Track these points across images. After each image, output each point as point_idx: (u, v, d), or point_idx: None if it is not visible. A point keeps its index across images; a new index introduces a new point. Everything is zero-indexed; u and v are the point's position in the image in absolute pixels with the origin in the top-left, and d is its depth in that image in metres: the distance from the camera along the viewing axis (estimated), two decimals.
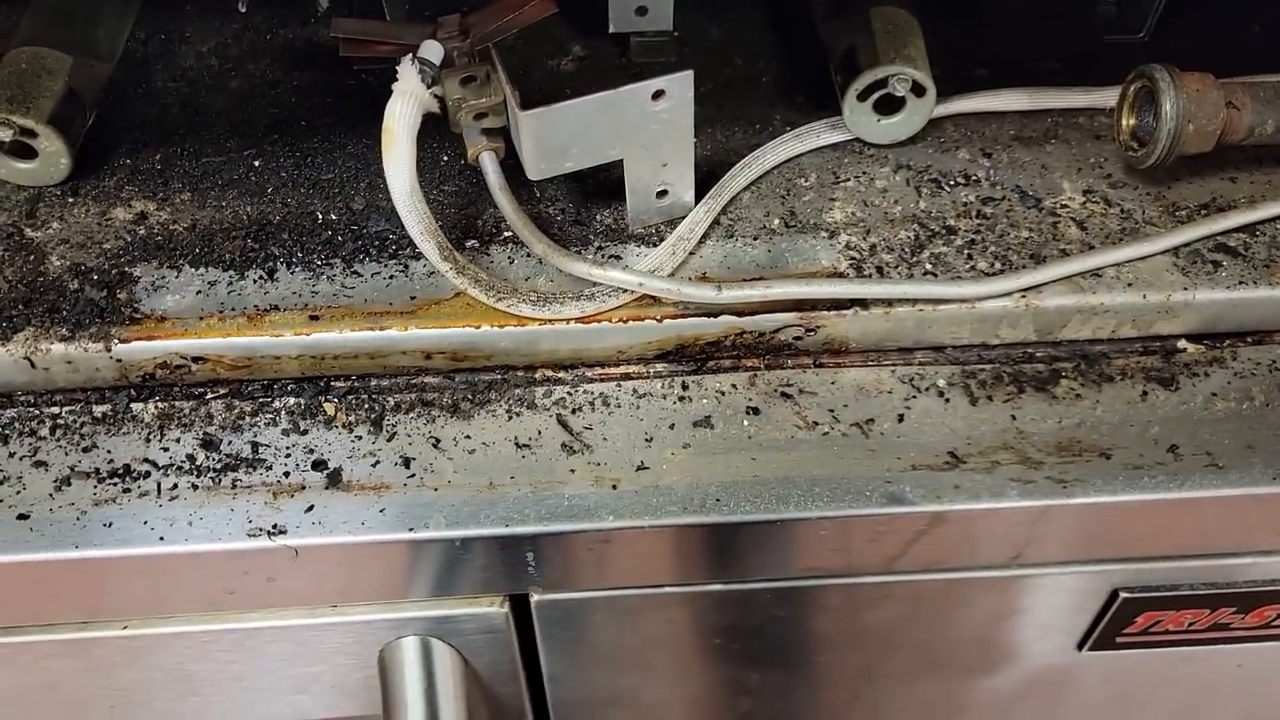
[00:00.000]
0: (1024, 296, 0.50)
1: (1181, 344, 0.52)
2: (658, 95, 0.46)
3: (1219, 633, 0.59)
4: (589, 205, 0.53)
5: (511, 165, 0.49)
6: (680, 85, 0.46)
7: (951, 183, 0.54)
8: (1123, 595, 0.55)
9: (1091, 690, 0.67)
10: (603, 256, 0.51)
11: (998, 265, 0.51)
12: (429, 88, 0.46)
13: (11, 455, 0.46)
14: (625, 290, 0.48)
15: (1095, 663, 0.63)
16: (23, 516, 0.45)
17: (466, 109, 0.47)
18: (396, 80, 0.46)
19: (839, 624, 0.57)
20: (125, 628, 0.50)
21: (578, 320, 0.48)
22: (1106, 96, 0.57)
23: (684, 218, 0.52)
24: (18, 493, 0.45)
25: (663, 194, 0.51)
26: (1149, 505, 0.47)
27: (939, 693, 0.66)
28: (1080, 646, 0.60)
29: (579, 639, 0.57)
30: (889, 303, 0.49)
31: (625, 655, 0.59)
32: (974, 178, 0.55)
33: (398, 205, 0.46)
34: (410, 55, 0.46)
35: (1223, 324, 0.51)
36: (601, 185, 0.54)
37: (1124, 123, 0.52)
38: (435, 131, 0.51)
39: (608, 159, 0.48)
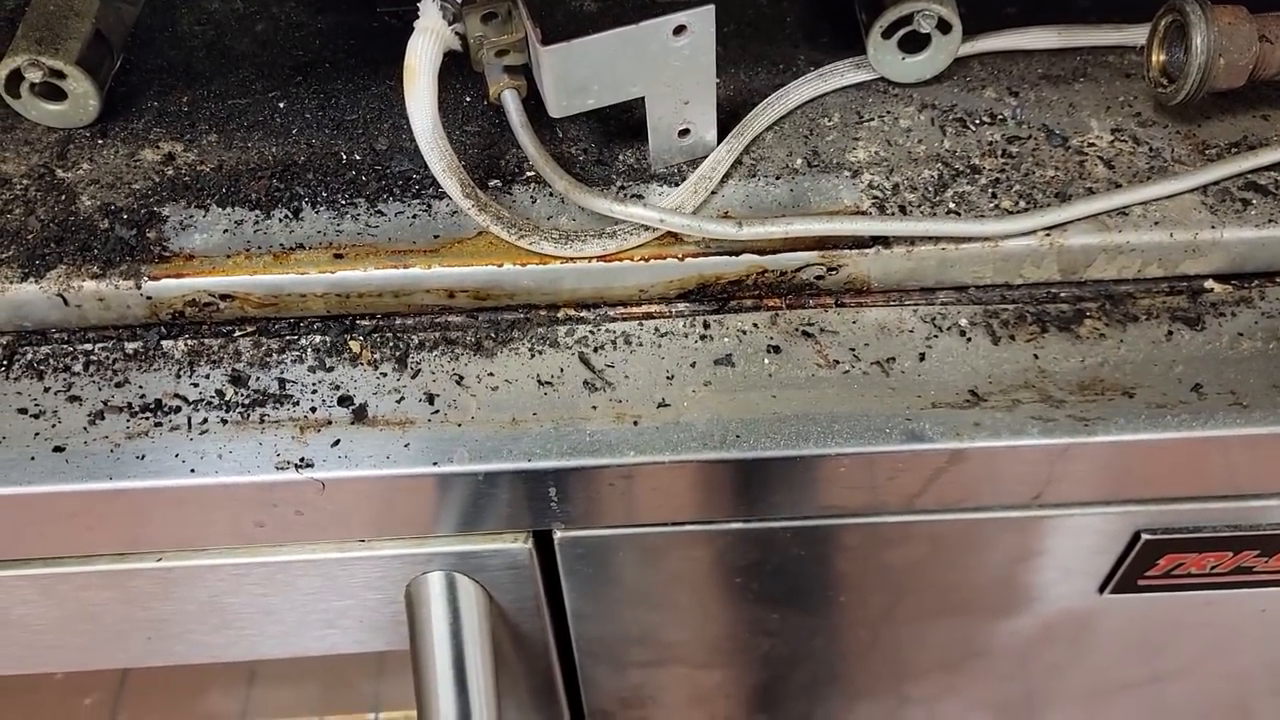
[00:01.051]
0: (1048, 235, 0.49)
1: (1209, 284, 0.51)
2: (679, 30, 0.46)
3: (1242, 576, 0.59)
4: (611, 145, 0.53)
5: (534, 104, 0.49)
6: (702, 20, 0.46)
7: (977, 121, 0.54)
8: (1145, 537, 0.55)
9: (1113, 634, 0.67)
10: (625, 195, 0.51)
11: (1022, 204, 0.50)
12: (450, 24, 0.46)
13: (47, 390, 0.48)
14: (647, 228, 0.48)
15: (1117, 606, 0.63)
16: (58, 449, 0.46)
17: (488, 46, 0.47)
18: (418, 18, 0.46)
19: (859, 564, 0.58)
20: (160, 560, 0.51)
21: (599, 259, 0.49)
22: (1138, 33, 0.56)
23: (706, 157, 0.51)
24: (53, 426, 0.46)
25: (685, 133, 0.51)
26: (1171, 444, 0.47)
27: (960, 635, 0.67)
28: (1102, 589, 0.61)
29: (602, 576, 0.58)
30: (911, 241, 0.49)
31: (647, 593, 0.60)
32: (1000, 116, 0.54)
33: (420, 142, 0.46)
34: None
35: (1251, 263, 0.51)
36: (624, 125, 0.54)
37: (1154, 58, 0.52)
38: (458, 72, 0.51)
39: (630, 96, 0.48)
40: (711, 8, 0.45)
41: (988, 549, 0.57)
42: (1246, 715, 0.79)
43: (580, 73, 0.46)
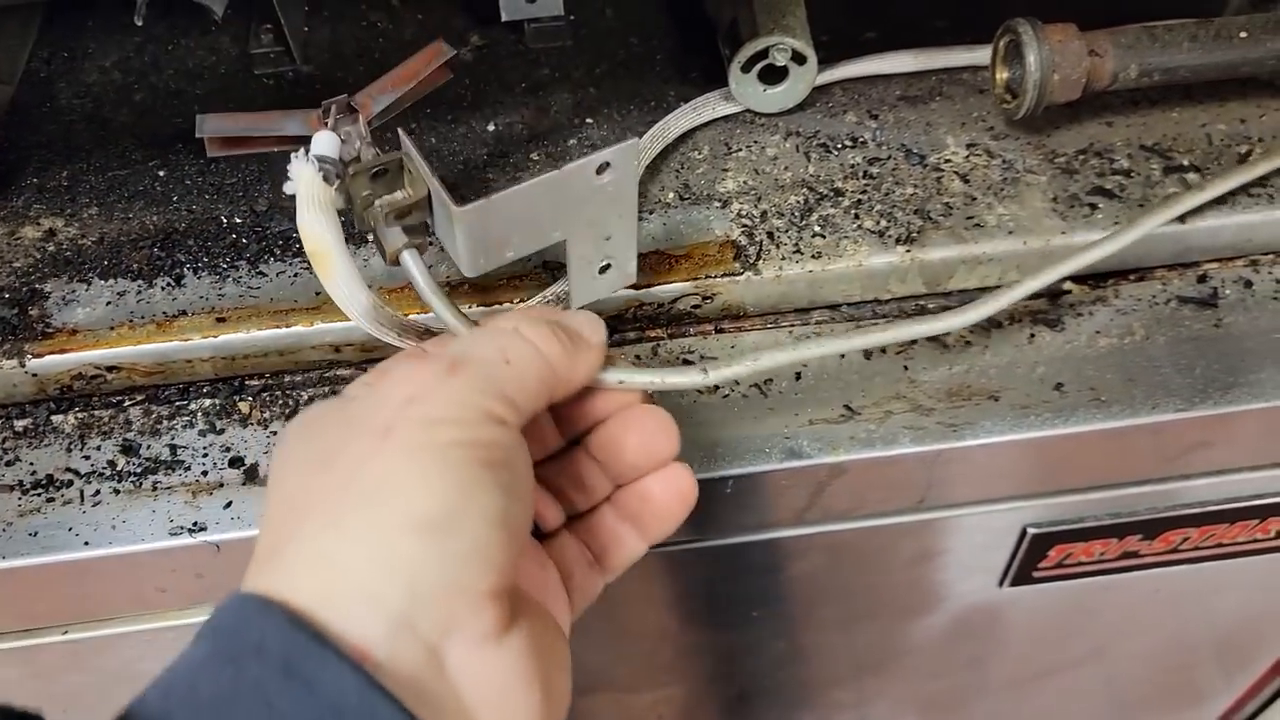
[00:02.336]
0: (909, 251, 0.51)
1: (1067, 285, 0.54)
2: (602, 169, 0.42)
3: (1130, 560, 0.61)
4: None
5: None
6: (625, 155, 0.42)
7: (839, 146, 0.56)
8: (1031, 531, 0.57)
9: (1022, 625, 0.69)
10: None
11: (883, 223, 0.52)
12: (333, 186, 0.41)
13: None
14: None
15: (1019, 598, 0.65)
16: None
17: (383, 207, 0.41)
18: (290, 187, 0.41)
19: (766, 579, 0.59)
20: (66, 633, 0.51)
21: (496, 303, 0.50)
22: (988, 54, 0.58)
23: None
24: None
25: (605, 268, 0.46)
26: (1038, 442, 0.50)
27: (877, 638, 0.69)
28: (1001, 583, 0.63)
29: None
30: (779, 266, 0.51)
31: None
32: (861, 140, 0.56)
33: (362, 325, 0.43)
34: (301, 152, 0.41)
35: (1105, 263, 0.53)
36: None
37: (997, 76, 0.54)
38: None
39: (550, 242, 0.43)
40: (636, 142, 0.42)
41: (887, 554, 0.59)
42: (1156, 691, 0.82)
43: (499, 228, 0.41)
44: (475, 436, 0.33)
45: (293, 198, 0.41)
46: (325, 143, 0.41)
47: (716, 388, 0.50)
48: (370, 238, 0.43)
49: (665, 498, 0.40)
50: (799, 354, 0.44)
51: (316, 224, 0.40)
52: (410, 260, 0.41)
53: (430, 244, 0.44)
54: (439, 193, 0.40)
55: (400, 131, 0.40)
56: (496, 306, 0.50)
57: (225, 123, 0.45)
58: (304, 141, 0.44)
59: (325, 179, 0.40)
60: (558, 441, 0.42)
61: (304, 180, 0.40)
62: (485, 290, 0.50)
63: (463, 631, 0.31)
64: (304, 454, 0.34)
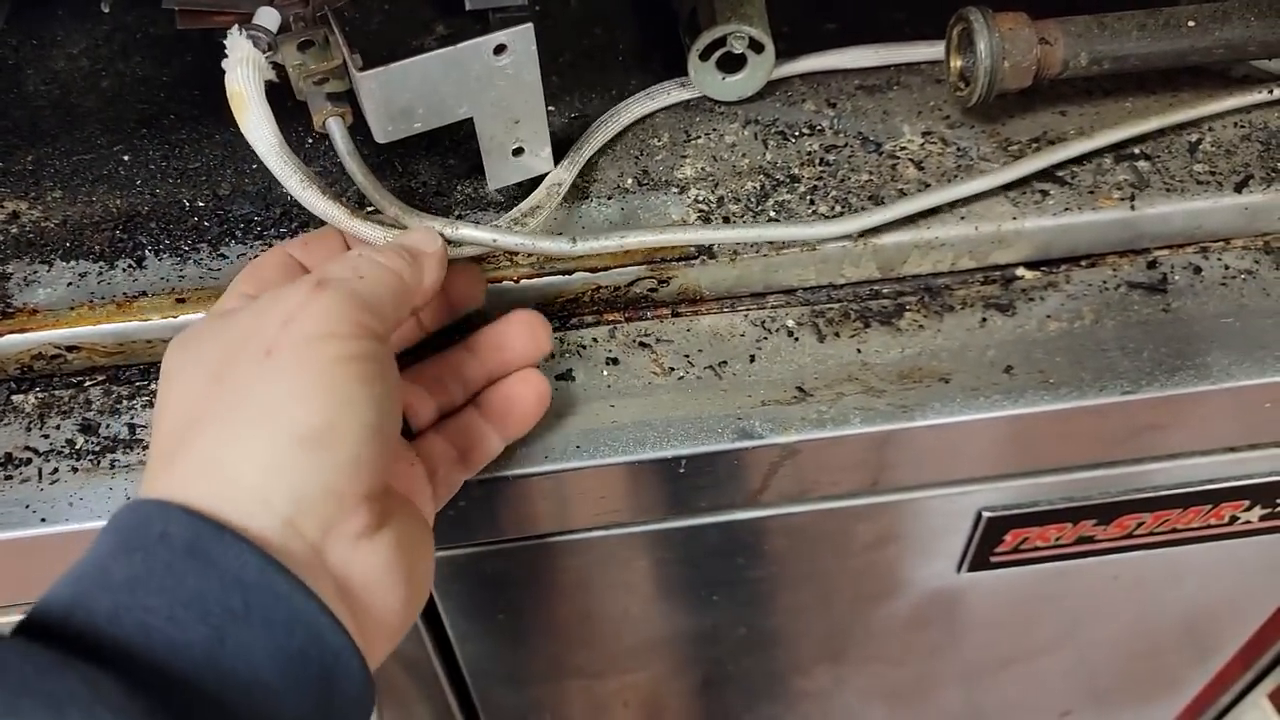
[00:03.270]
0: (862, 235, 0.52)
1: (1020, 271, 0.55)
2: (500, 50, 0.46)
3: (1086, 545, 0.62)
4: (450, 179, 0.55)
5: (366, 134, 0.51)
6: (522, 38, 0.46)
7: (797, 134, 0.57)
8: (986, 515, 0.58)
9: (984, 611, 0.70)
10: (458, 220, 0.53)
11: (838, 208, 0.53)
12: (265, 53, 0.45)
13: None
14: (483, 251, 0.50)
15: (978, 583, 0.66)
16: None
17: (307, 75, 0.46)
18: (227, 47, 0.44)
19: (722, 562, 0.60)
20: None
21: None
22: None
23: (544, 176, 0.53)
24: None
25: (518, 152, 0.51)
26: (988, 424, 0.50)
27: (839, 624, 0.69)
28: (960, 568, 0.64)
29: (476, 594, 0.59)
30: (734, 251, 0.52)
31: (524, 607, 0.62)
32: (819, 128, 0.57)
33: (268, 163, 0.45)
34: (237, 25, 0.44)
35: (1055, 249, 0.54)
36: (465, 161, 0.56)
37: (951, 64, 0.55)
38: (295, 115, 0.53)
39: (457, 118, 0.48)
40: (530, 27, 0.46)
41: (844, 537, 0.59)
42: (1125, 678, 0.83)
43: (403, 97, 0.46)
44: (351, 351, 0.36)
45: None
46: (265, 15, 0.44)
47: (671, 369, 0.51)
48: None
49: (526, 397, 0.46)
50: (664, 238, 0.50)
51: (241, 73, 0.43)
52: (335, 125, 0.46)
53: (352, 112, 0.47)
54: (348, 58, 0.44)
55: (328, 8, 0.44)
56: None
57: None
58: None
59: (255, 44, 0.44)
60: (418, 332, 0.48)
61: (235, 45, 0.44)
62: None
63: (340, 530, 0.35)
64: (193, 367, 0.37)
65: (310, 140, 0.57)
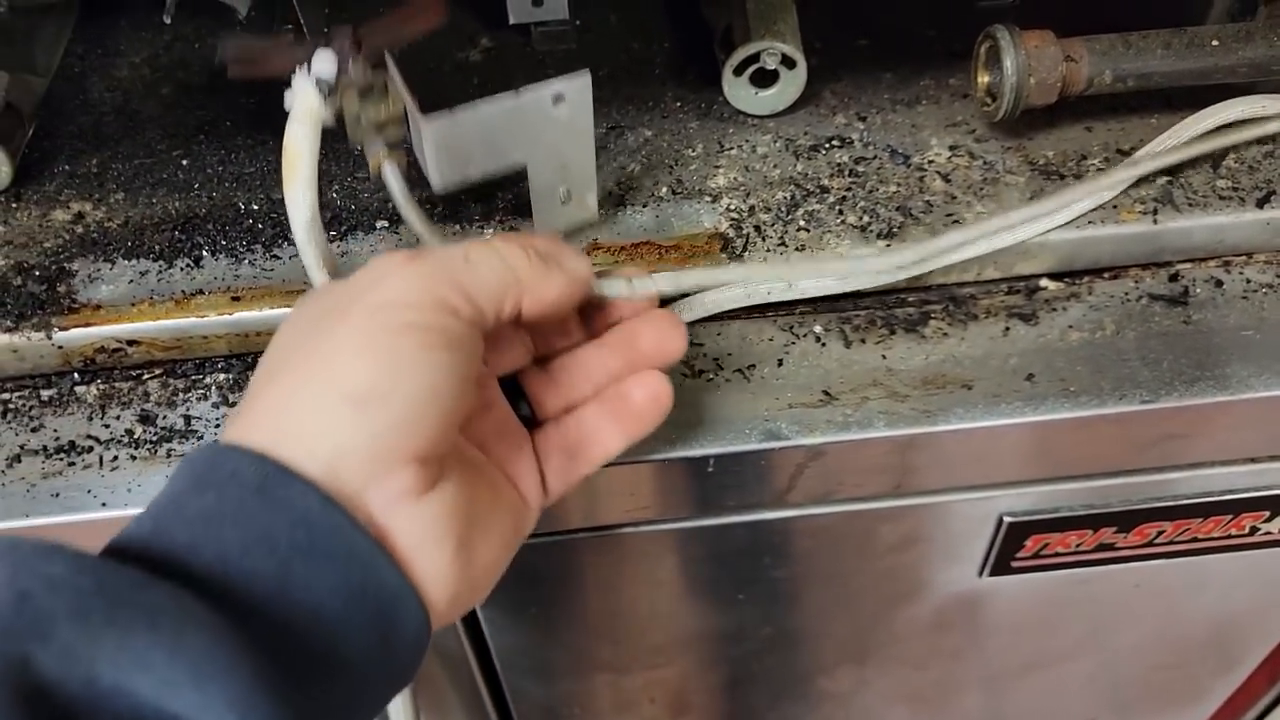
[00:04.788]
0: (889, 245, 0.54)
1: (1044, 282, 0.56)
2: (557, 99, 0.47)
3: (1106, 553, 0.63)
4: (497, 221, 0.57)
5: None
6: (579, 89, 0.47)
7: (828, 146, 0.59)
8: (1007, 520, 0.59)
9: (1004, 616, 0.71)
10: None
11: (866, 219, 0.55)
12: (325, 100, 0.45)
13: None
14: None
15: (999, 588, 0.67)
16: None
17: (367, 122, 0.46)
18: (289, 97, 0.45)
19: (749, 561, 0.61)
20: None
21: None
22: None
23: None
24: None
25: (566, 198, 0.52)
26: (1009, 430, 0.52)
27: (861, 626, 0.71)
28: (981, 572, 0.65)
29: (509, 585, 0.61)
30: (764, 257, 0.53)
31: (557, 600, 0.64)
32: (848, 140, 0.59)
33: (297, 237, 0.46)
34: (304, 69, 0.45)
35: (1079, 261, 0.56)
36: (511, 204, 0.58)
37: (979, 80, 0.57)
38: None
39: (511, 164, 0.49)
40: (588, 79, 0.47)
41: (868, 539, 0.61)
42: (1149, 687, 0.84)
43: (463, 145, 0.47)
44: (417, 320, 0.37)
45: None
46: (324, 62, 0.45)
47: (700, 371, 0.53)
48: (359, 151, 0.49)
49: (641, 398, 0.45)
50: (728, 275, 0.50)
51: (299, 133, 0.44)
52: (390, 172, 0.46)
53: (409, 160, 0.48)
54: (412, 108, 0.45)
55: (386, 52, 0.45)
56: None
57: (244, 46, 0.48)
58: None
59: (319, 91, 0.44)
60: (580, 336, 0.47)
61: (300, 96, 0.44)
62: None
63: (380, 487, 0.36)
64: (291, 326, 0.40)
65: (353, 171, 0.59)
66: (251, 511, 0.34)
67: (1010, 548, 0.62)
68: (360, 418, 0.35)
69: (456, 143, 0.46)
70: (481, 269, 0.39)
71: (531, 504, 0.44)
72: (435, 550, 0.37)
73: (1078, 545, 0.62)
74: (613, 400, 0.45)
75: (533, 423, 0.46)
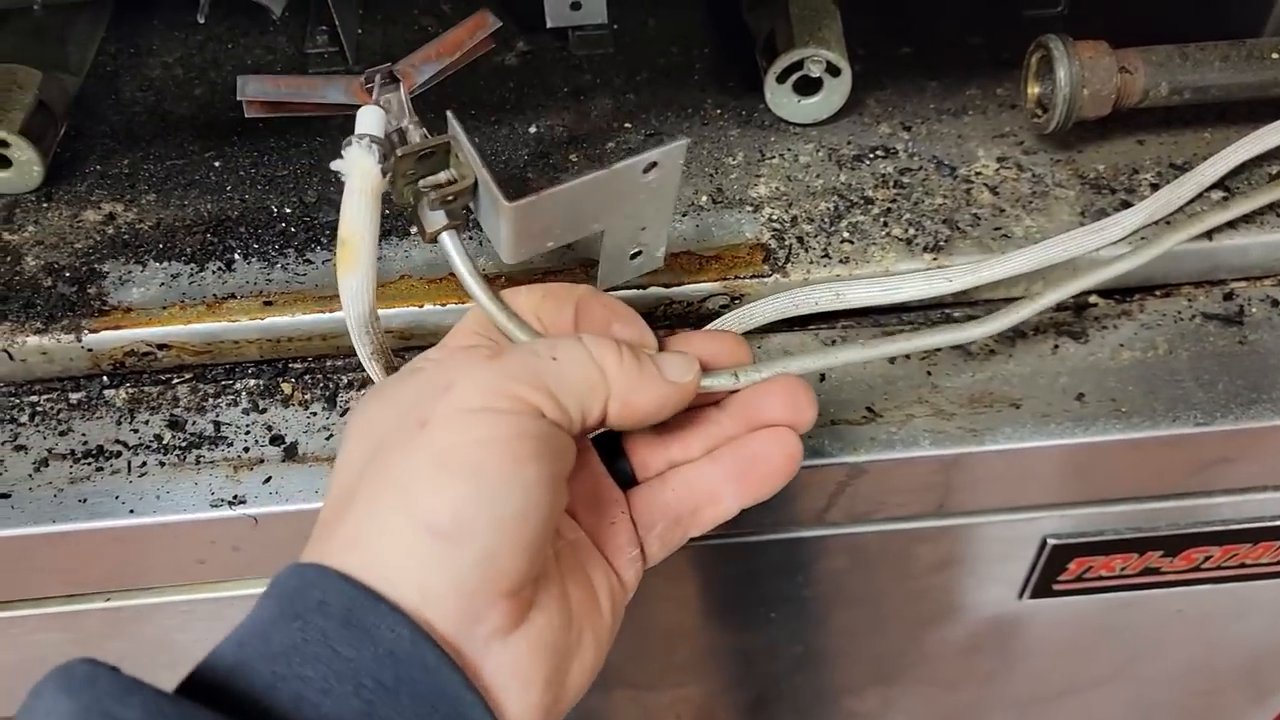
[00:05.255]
0: (935, 259, 0.52)
1: (1093, 299, 0.55)
2: (649, 168, 0.42)
3: (1152, 577, 0.61)
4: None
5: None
6: (673, 156, 0.42)
7: (872, 156, 0.57)
8: (1051, 542, 0.58)
9: (1042, 639, 0.69)
10: None
11: (911, 231, 0.53)
12: (380, 164, 0.40)
13: None
14: None
15: (1039, 611, 0.65)
16: (4, 496, 0.48)
17: (427, 188, 0.41)
18: (343, 168, 0.40)
19: (783, 579, 0.60)
20: (109, 600, 0.53)
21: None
22: None
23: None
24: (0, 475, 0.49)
25: (636, 254, 0.48)
26: (1058, 450, 0.50)
27: (894, 646, 0.69)
28: (1021, 595, 0.63)
29: None
30: (807, 271, 0.52)
31: None
32: (893, 150, 0.58)
33: (352, 330, 0.42)
34: (360, 139, 0.40)
35: (1130, 278, 0.54)
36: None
37: (1029, 91, 0.55)
38: None
39: (589, 233, 0.44)
40: (685, 144, 0.42)
41: (906, 559, 0.59)
42: (1182, 714, 0.82)
43: (543, 220, 0.42)
44: (505, 429, 0.34)
45: (340, 184, 0.42)
46: (372, 120, 0.41)
47: None
48: (406, 212, 0.44)
49: (774, 457, 0.41)
50: (826, 361, 0.45)
51: (359, 214, 0.40)
52: (449, 241, 0.42)
53: (468, 225, 0.44)
54: (489, 186, 0.40)
55: (450, 116, 0.41)
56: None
57: (267, 85, 0.45)
58: (344, 109, 0.45)
59: (373, 154, 0.40)
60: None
61: (358, 168, 0.40)
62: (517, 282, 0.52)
63: (468, 626, 0.33)
64: (365, 429, 0.37)
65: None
66: (337, 645, 0.32)
67: (1052, 570, 0.60)
68: (446, 554, 0.33)
69: (536, 221, 0.41)
70: (568, 368, 0.36)
71: (628, 584, 0.41)
72: (524, 690, 0.35)
73: (1122, 569, 0.60)
74: (735, 460, 0.41)
75: (631, 481, 0.43)
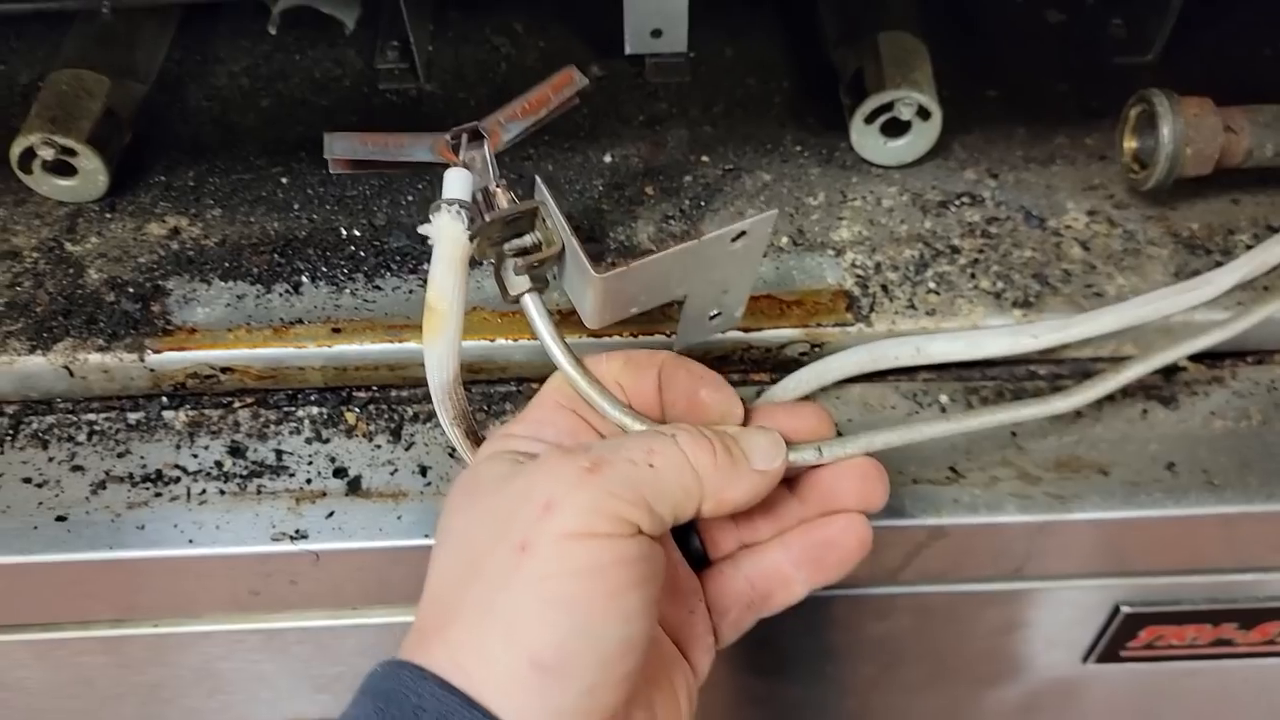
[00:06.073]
0: (1025, 315, 0.51)
1: (1183, 363, 0.53)
2: (737, 237, 0.42)
3: (1223, 648, 0.59)
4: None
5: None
6: (762, 226, 0.42)
7: (957, 203, 0.56)
8: (1124, 610, 0.56)
9: (1098, 703, 0.67)
10: None
11: (1000, 285, 0.52)
12: (470, 233, 0.40)
13: (51, 460, 0.49)
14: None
15: (1101, 676, 0.63)
16: (61, 519, 0.47)
17: (512, 250, 0.41)
18: (432, 233, 0.40)
19: (845, 635, 0.58)
20: (156, 626, 0.52)
21: (591, 335, 0.50)
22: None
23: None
24: (56, 495, 0.48)
25: (715, 315, 0.47)
26: (1146, 522, 0.48)
27: (948, 704, 0.67)
28: (1085, 659, 0.61)
29: None
30: (893, 319, 0.51)
31: None
32: (980, 198, 0.56)
33: (435, 398, 0.42)
34: (449, 207, 0.39)
35: (1223, 344, 0.52)
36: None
37: (1126, 145, 0.53)
38: None
39: (673, 298, 0.44)
40: (774, 215, 0.42)
41: (971, 620, 0.57)
42: None
43: (630, 289, 0.42)
44: (608, 556, 0.33)
45: (421, 235, 0.41)
46: (460, 185, 0.40)
47: None
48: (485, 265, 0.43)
49: (846, 545, 0.41)
50: (909, 436, 0.44)
51: (448, 282, 0.39)
52: (532, 306, 0.41)
53: (549, 286, 0.43)
54: (578, 255, 0.39)
55: (538, 182, 0.40)
56: (605, 339, 0.50)
57: (354, 143, 0.44)
58: (429, 168, 0.45)
59: (465, 225, 0.39)
60: None
61: (447, 235, 0.40)
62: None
63: None
64: (461, 536, 0.36)
65: None
66: None
67: (1122, 637, 0.58)
68: (548, 688, 0.32)
69: (623, 290, 0.41)
70: (667, 477, 0.36)
71: (701, 673, 0.41)
72: None
73: (1194, 639, 0.59)
74: (807, 547, 0.41)
75: (704, 561, 0.42)
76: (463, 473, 0.39)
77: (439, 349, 0.40)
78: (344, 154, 0.42)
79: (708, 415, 0.41)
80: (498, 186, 0.41)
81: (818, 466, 0.42)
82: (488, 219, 0.40)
